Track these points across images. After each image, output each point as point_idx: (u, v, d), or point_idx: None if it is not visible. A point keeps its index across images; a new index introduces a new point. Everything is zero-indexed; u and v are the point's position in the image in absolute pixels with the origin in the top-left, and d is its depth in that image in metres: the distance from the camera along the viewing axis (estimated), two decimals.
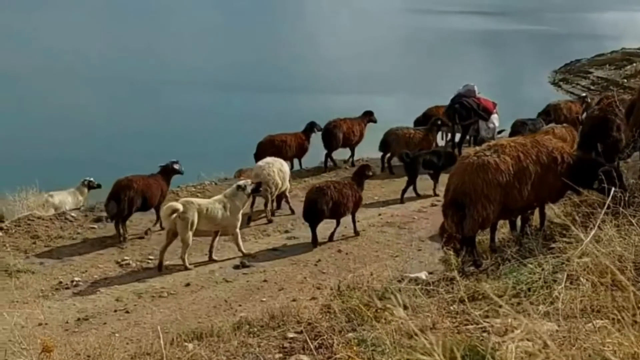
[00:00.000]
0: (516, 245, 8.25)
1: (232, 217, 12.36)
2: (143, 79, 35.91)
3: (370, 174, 13.83)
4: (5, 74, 36.55)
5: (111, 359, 6.06)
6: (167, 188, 14.31)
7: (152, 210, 13.94)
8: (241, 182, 12.78)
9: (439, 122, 17.63)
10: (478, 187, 8.64)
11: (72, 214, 14.16)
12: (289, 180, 14.72)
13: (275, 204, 14.78)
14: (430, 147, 16.97)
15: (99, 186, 15.92)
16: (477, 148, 9.12)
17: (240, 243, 12.54)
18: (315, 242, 12.97)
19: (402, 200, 14.98)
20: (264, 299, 10.56)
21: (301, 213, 14.36)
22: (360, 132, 18.21)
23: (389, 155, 17.49)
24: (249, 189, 12.58)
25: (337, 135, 17.73)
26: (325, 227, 13.79)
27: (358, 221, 13.64)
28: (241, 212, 12.64)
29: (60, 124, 27.39)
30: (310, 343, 4.78)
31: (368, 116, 18.51)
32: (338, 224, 13.24)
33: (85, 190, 15.89)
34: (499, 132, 18.70)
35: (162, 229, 13.45)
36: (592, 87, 35.16)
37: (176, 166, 14.25)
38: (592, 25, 65.21)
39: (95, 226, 13.95)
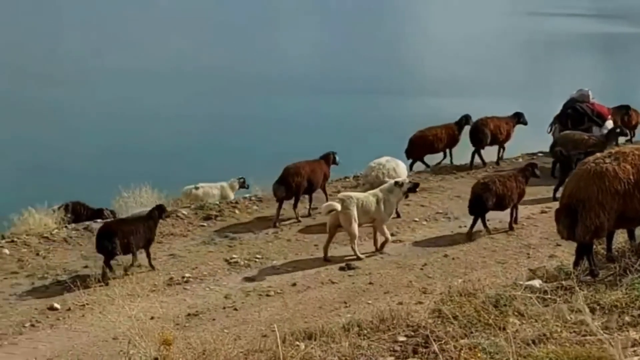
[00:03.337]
0: (635, 255, 7.96)
1: (385, 211, 12.70)
2: (241, 81, 36.36)
3: (537, 172, 14.13)
4: (117, 74, 37.86)
5: (226, 354, 6.18)
6: (329, 173, 15.36)
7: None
8: (399, 179, 13.22)
9: (618, 130, 16.96)
10: (593, 194, 8.42)
11: (183, 212, 14.52)
12: None
13: None
14: None
15: (247, 187, 16.59)
16: (598, 155, 8.85)
17: (386, 236, 12.85)
18: (470, 235, 13.22)
19: (555, 198, 14.69)
20: (370, 302, 10.54)
21: (406, 216, 14.37)
22: (507, 132, 17.98)
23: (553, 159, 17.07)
24: (405, 187, 12.96)
25: (485, 132, 17.60)
26: (430, 232, 13.74)
27: (465, 226, 13.56)
28: (395, 208, 13.25)
29: (173, 124, 28.13)
30: (434, 344, 4.74)
31: (517, 117, 18.25)
32: (511, 214, 13.66)
33: (237, 187, 16.53)
34: None
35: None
36: None
37: (336, 157, 15.36)
38: None
39: (205, 224, 14.27)
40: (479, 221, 13.32)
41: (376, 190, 12.95)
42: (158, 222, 12.66)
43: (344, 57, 44.97)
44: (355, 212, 12.33)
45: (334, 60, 44.26)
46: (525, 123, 18.30)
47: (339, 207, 12.23)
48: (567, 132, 17.05)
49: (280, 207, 14.37)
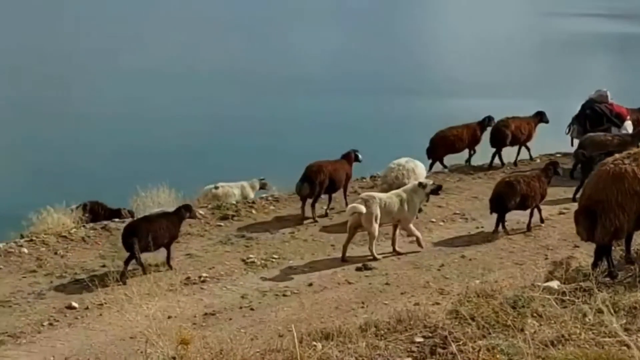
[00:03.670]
0: None
1: (408, 212, 12.72)
2: (256, 81, 36.38)
3: (559, 171, 14.17)
4: (129, 74, 38.03)
5: (243, 354, 6.19)
6: (351, 172, 15.33)
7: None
8: (423, 180, 13.27)
9: None
10: (612, 196, 8.39)
11: (200, 212, 14.55)
12: None
13: None
14: None
15: (268, 189, 16.62)
16: (617, 156, 8.80)
17: (416, 234, 12.88)
18: (495, 232, 13.26)
19: (574, 199, 14.58)
20: (387, 302, 10.54)
21: (423, 217, 14.33)
22: (528, 131, 17.93)
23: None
24: (429, 189, 12.97)
25: (506, 134, 17.54)
26: (447, 233, 13.70)
27: (482, 227, 13.56)
28: (417, 209, 13.17)
29: (189, 124, 28.18)
30: (452, 345, 4.73)
31: (539, 116, 18.19)
32: (531, 214, 13.58)
33: (257, 187, 16.53)
34: None
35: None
36: None
37: (358, 154, 15.37)
38: None
39: (222, 224, 14.30)
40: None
41: (399, 191, 12.94)
42: (183, 221, 12.74)
43: (358, 56, 44.82)
44: (377, 212, 12.32)
45: (347, 59, 44.12)
46: (546, 122, 18.23)
47: (364, 210, 12.23)
48: (592, 134, 16.92)
49: (304, 205, 14.41)
